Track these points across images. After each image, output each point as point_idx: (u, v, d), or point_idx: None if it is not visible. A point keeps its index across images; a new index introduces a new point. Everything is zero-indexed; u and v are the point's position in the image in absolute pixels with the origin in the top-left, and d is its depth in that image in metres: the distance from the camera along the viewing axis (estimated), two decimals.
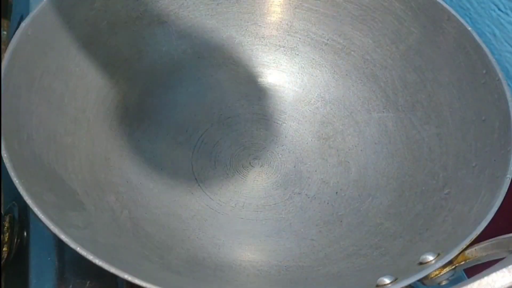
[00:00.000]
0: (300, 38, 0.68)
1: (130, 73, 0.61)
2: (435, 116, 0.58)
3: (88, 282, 0.50)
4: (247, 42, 0.68)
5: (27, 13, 0.50)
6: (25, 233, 0.53)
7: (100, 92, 0.58)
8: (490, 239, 0.41)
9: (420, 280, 0.40)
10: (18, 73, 0.47)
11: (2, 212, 0.55)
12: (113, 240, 0.47)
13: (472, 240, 0.42)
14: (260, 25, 0.68)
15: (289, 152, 0.63)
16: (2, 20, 0.74)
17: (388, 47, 0.63)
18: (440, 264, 0.41)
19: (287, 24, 0.67)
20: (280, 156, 0.63)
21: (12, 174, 0.41)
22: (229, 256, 0.54)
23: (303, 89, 0.68)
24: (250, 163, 0.62)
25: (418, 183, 0.56)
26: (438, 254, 0.42)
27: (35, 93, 0.49)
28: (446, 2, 0.58)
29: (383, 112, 0.63)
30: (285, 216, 0.58)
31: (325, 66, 0.67)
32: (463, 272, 0.53)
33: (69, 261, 0.51)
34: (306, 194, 0.60)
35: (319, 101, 0.67)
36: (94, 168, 0.54)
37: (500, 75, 0.52)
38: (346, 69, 0.66)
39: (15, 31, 0.49)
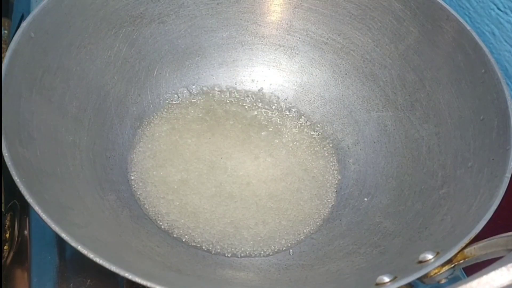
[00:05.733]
0: (299, 38, 0.68)
1: (131, 72, 0.62)
2: (434, 115, 0.58)
3: (88, 280, 0.50)
4: (247, 42, 0.68)
5: (28, 12, 0.50)
6: (26, 232, 0.53)
7: (101, 91, 0.58)
8: (489, 238, 0.41)
9: (419, 279, 0.41)
10: (19, 72, 0.48)
11: (3, 210, 0.55)
12: (113, 239, 0.47)
13: (471, 239, 0.42)
14: (260, 25, 0.68)
15: (289, 150, 0.64)
16: (3, 19, 0.74)
17: (387, 46, 0.63)
18: (439, 262, 0.41)
19: (286, 24, 0.67)
20: (280, 154, 0.63)
21: (13, 173, 0.41)
22: (229, 254, 0.54)
23: (303, 88, 0.68)
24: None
25: (417, 182, 0.56)
26: (437, 253, 0.42)
27: (36, 92, 0.49)
28: (445, 2, 0.58)
29: (382, 111, 0.63)
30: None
31: (324, 65, 0.67)
32: (462, 270, 0.53)
33: (70, 260, 0.51)
34: (307, 191, 0.60)
35: (318, 100, 0.67)
36: (95, 167, 0.54)
37: (499, 74, 0.52)
38: (345, 68, 0.66)
39: (16, 30, 0.49)
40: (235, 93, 0.68)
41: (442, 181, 0.53)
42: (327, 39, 0.66)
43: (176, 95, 0.66)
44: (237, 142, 0.63)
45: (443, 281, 0.42)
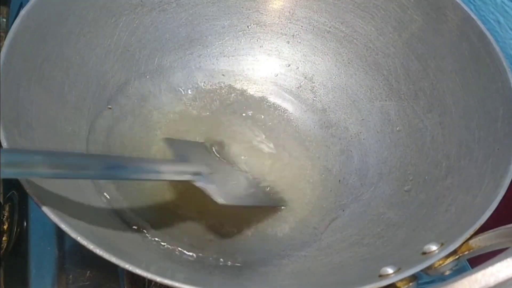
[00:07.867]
0: (302, 26, 0.67)
1: (131, 61, 0.61)
2: (438, 105, 0.57)
3: (88, 271, 0.50)
4: (249, 30, 0.68)
5: (27, 0, 0.50)
6: (25, 223, 0.53)
7: (100, 80, 0.58)
8: (494, 229, 0.41)
9: (423, 270, 0.40)
10: (18, 61, 0.47)
11: (1, 201, 0.54)
12: (113, 230, 0.47)
13: (476, 230, 0.41)
14: (262, 13, 0.67)
15: (292, 139, 0.63)
16: (2, 7, 0.74)
17: (390, 35, 0.62)
18: (443, 254, 0.40)
19: (289, 12, 0.67)
20: (281, 143, 0.63)
21: None
22: (231, 246, 0.54)
23: (305, 77, 0.68)
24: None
25: (421, 172, 0.55)
26: (442, 244, 0.41)
27: (35, 82, 0.49)
28: None
29: (386, 100, 0.63)
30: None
31: (327, 54, 0.67)
32: (466, 262, 0.53)
33: (69, 251, 0.51)
34: (309, 181, 0.60)
35: (321, 89, 0.67)
36: None
37: (504, 63, 0.51)
38: (348, 57, 0.66)
39: (14, 19, 0.48)
40: (237, 82, 0.68)
41: (446, 171, 0.53)
42: (330, 27, 0.66)
43: (176, 84, 0.65)
44: (238, 131, 0.63)
45: (447, 273, 0.42)
